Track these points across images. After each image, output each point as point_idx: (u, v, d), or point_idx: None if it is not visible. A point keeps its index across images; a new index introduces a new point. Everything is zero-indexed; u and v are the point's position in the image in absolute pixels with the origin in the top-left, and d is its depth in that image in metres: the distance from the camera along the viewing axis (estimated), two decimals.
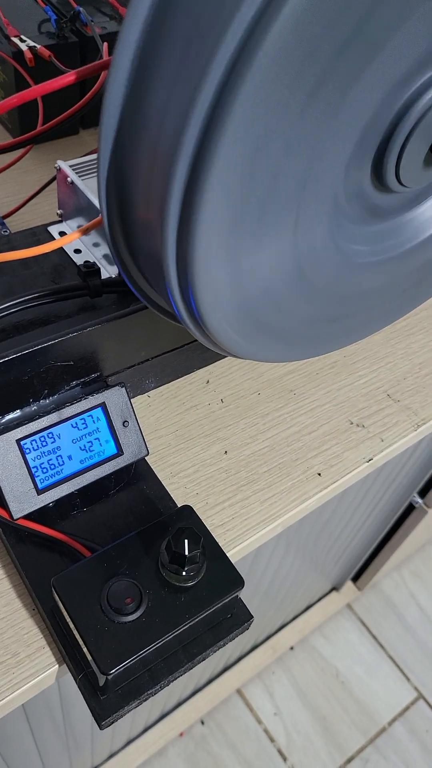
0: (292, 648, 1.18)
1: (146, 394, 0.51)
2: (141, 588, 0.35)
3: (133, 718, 0.89)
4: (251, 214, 0.26)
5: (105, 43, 0.51)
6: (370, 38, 0.23)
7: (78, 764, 0.88)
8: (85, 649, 0.33)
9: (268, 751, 1.09)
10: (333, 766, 1.09)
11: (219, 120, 0.22)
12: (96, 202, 0.47)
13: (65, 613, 0.35)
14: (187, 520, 0.38)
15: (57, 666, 0.39)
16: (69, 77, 0.32)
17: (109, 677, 0.33)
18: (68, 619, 0.35)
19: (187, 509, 0.39)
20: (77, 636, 0.34)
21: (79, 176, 0.48)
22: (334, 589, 1.20)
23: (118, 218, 0.29)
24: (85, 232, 0.35)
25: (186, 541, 0.34)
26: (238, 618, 0.39)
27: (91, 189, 0.47)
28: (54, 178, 0.57)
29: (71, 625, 0.34)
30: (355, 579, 1.20)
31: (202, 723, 1.09)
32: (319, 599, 1.18)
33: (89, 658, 0.33)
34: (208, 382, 0.53)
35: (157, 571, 0.36)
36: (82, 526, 0.42)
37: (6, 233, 0.53)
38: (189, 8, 0.22)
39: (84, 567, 0.36)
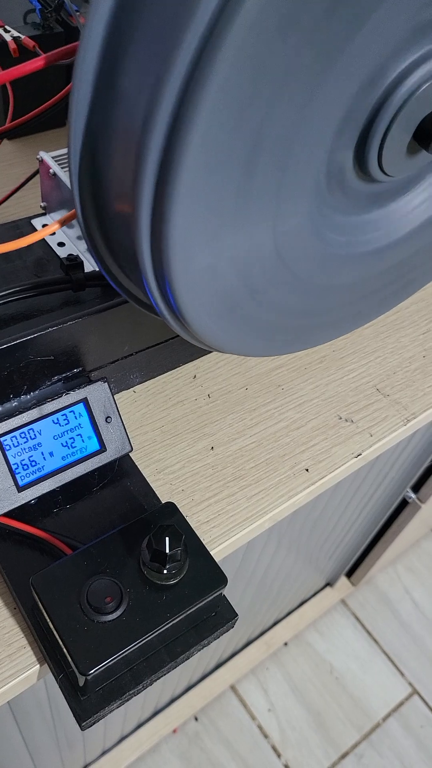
0: (286, 644, 1.18)
1: (132, 389, 0.50)
2: (122, 586, 0.34)
3: (125, 714, 0.89)
4: (227, 201, 0.25)
5: None
6: (350, 12, 0.23)
7: (70, 762, 0.87)
8: (64, 650, 0.33)
9: (262, 747, 1.08)
10: (327, 761, 1.09)
11: (192, 98, 0.21)
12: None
13: (44, 613, 0.34)
14: (170, 518, 0.37)
15: (38, 666, 0.38)
16: (37, 62, 0.31)
17: (89, 678, 0.32)
18: (47, 619, 0.34)
19: (170, 506, 0.38)
20: (56, 636, 0.33)
21: (62, 168, 0.47)
22: (328, 584, 1.20)
23: (92, 209, 0.28)
24: (62, 224, 0.34)
25: (167, 538, 0.33)
26: (223, 616, 0.39)
27: None
28: (38, 171, 0.57)
29: (50, 625, 0.34)
30: (349, 574, 1.20)
31: (196, 719, 1.09)
32: (314, 595, 1.18)
33: (68, 658, 0.33)
34: (195, 377, 0.52)
35: (139, 569, 0.35)
36: (65, 523, 0.41)
37: None
38: None
39: (64, 565, 0.35)
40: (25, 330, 0.42)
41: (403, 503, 0.96)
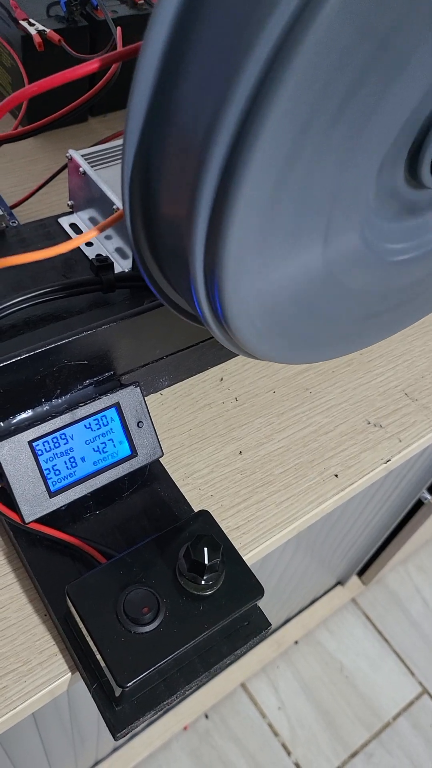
0: (296, 642, 1.18)
1: (159, 392, 0.49)
2: (158, 597, 0.34)
3: None
4: (284, 216, 0.24)
5: (118, 28, 0.49)
6: (405, 40, 0.22)
7: (82, 759, 0.87)
8: (100, 661, 0.32)
9: (272, 745, 1.08)
10: (337, 760, 1.09)
11: (256, 119, 0.21)
12: (109, 194, 0.45)
13: (80, 622, 0.34)
14: (205, 526, 0.37)
15: (69, 674, 0.38)
16: (92, 65, 0.30)
17: (126, 690, 0.32)
18: (83, 629, 0.34)
19: (205, 514, 0.38)
20: (92, 646, 0.33)
21: (92, 166, 0.47)
22: (339, 583, 1.19)
23: (140, 212, 0.27)
24: (101, 230, 0.33)
25: (205, 549, 0.33)
26: (256, 625, 0.38)
27: (104, 179, 0.46)
28: (64, 168, 0.56)
29: (86, 635, 0.33)
30: (361, 573, 1.20)
31: (207, 717, 1.09)
32: (324, 593, 1.18)
33: (105, 669, 0.32)
34: (221, 379, 0.51)
35: (175, 579, 0.35)
36: (95, 529, 0.41)
37: (15, 224, 0.51)
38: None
39: (99, 574, 0.35)
40: (58, 333, 0.42)
41: (418, 504, 0.95)
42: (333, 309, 0.32)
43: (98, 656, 0.33)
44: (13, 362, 0.35)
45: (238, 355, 0.52)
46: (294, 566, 0.80)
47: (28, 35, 0.58)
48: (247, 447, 0.48)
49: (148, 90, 0.23)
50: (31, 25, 0.59)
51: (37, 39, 0.58)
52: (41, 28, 0.58)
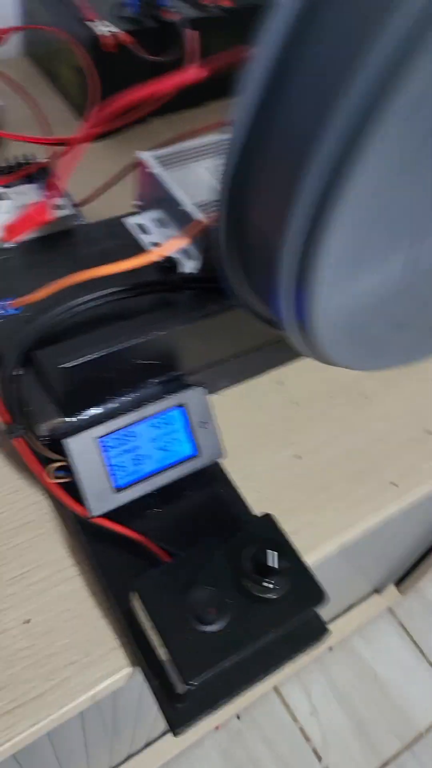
0: (330, 648, 1.17)
1: (218, 393, 0.50)
2: (223, 597, 0.34)
3: None
4: (377, 233, 0.24)
5: (189, 32, 0.50)
6: None
7: (117, 752, 0.88)
8: (167, 657, 0.33)
9: (302, 750, 1.08)
10: None
11: (360, 139, 0.21)
12: (178, 196, 0.46)
13: (147, 618, 0.34)
14: (269, 529, 0.37)
15: (130, 668, 0.38)
16: (201, 73, 0.30)
17: (191, 687, 0.32)
18: (150, 625, 0.34)
19: (269, 518, 0.38)
20: (158, 642, 0.33)
21: (164, 168, 0.47)
22: (376, 591, 1.18)
23: (232, 221, 0.27)
24: (192, 238, 0.33)
25: (274, 554, 0.33)
26: (314, 631, 0.38)
27: (175, 181, 0.46)
28: (131, 168, 0.57)
29: (153, 631, 0.34)
30: (398, 582, 1.18)
31: (238, 717, 1.09)
32: (360, 601, 1.17)
33: (172, 666, 0.33)
34: (281, 382, 0.51)
35: (239, 581, 0.35)
36: (156, 526, 0.41)
37: (83, 223, 0.52)
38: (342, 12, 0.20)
39: (165, 571, 0.35)
40: (128, 333, 0.42)
41: None
42: (411, 317, 0.32)
43: (165, 652, 0.33)
44: (88, 361, 0.36)
45: (298, 358, 0.52)
46: (334, 572, 0.80)
47: (99, 36, 0.59)
48: (305, 451, 0.48)
49: (254, 100, 0.23)
50: (103, 26, 0.60)
51: (109, 40, 0.58)
52: (113, 29, 0.59)
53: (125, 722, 0.77)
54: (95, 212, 0.60)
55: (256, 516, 0.41)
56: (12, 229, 0.29)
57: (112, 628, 0.39)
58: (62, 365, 0.35)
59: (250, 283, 0.31)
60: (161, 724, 0.95)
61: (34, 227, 0.29)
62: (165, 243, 0.31)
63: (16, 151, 0.64)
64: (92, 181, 0.63)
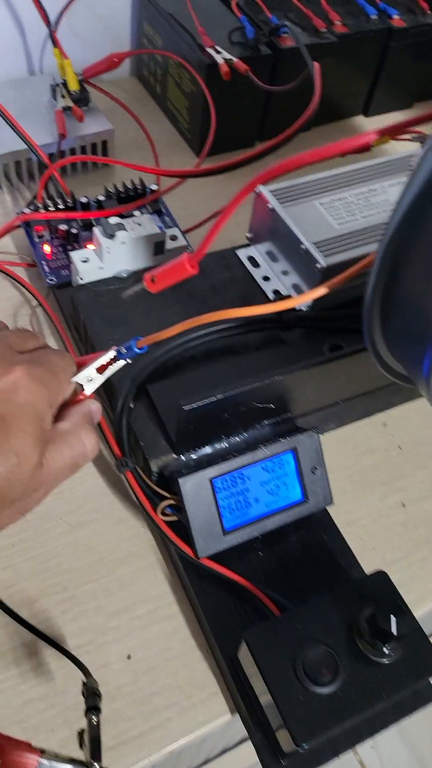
0: None
1: (322, 434, 0.49)
2: (337, 657, 0.33)
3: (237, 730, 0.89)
4: None
5: (316, 64, 0.49)
6: None
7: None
8: (277, 716, 0.32)
9: None
10: None
11: None
12: (297, 232, 0.45)
13: (256, 671, 0.33)
14: (384, 589, 0.36)
15: (229, 715, 0.38)
16: (369, 136, 0.29)
17: (301, 748, 0.31)
18: (258, 678, 0.33)
19: (383, 576, 0.37)
20: (270, 698, 0.33)
21: (281, 203, 0.47)
22: None
23: (385, 282, 0.27)
24: (330, 288, 0.32)
25: (395, 620, 0.32)
26: (422, 695, 0.37)
27: (291, 217, 0.46)
28: (240, 199, 0.56)
29: (260, 685, 0.33)
30: None
31: None
32: None
33: (282, 725, 0.32)
34: (384, 425, 0.50)
35: (352, 640, 0.34)
36: (261, 571, 0.40)
37: (190, 250, 0.52)
38: None
39: (277, 624, 0.34)
40: (240, 370, 0.42)
41: None
42: None
43: (274, 709, 0.32)
44: (210, 402, 0.36)
45: (407, 401, 0.51)
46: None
47: (215, 63, 0.59)
48: (411, 499, 0.47)
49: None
50: (218, 52, 0.60)
51: (224, 68, 0.58)
52: (227, 56, 0.59)
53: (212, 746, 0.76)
54: (198, 239, 0.60)
55: (360, 567, 0.40)
56: (158, 281, 0.29)
57: (212, 673, 0.39)
58: (186, 406, 0.35)
59: (391, 341, 0.30)
60: (239, 732, 0.94)
61: (177, 281, 0.29)
62: (309, 292, 0.30)
63: (123, 175, 0.65)
64: (195, 206, 0.63)
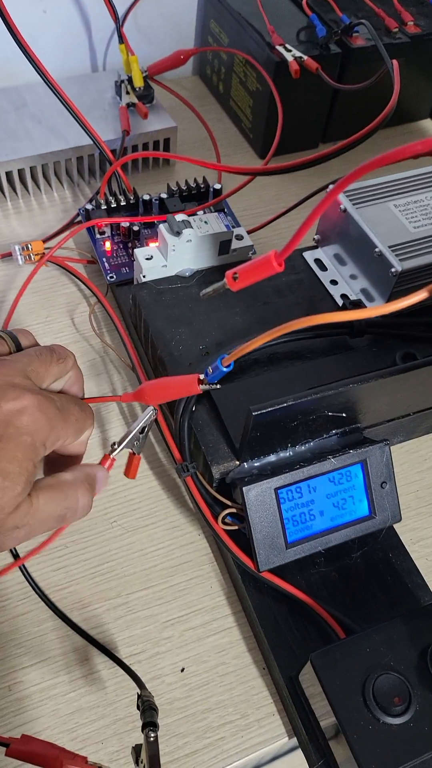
0: None
1: None
2: (409, 686, 0.31)
3: None
4: None
5: (395, 62, 0.47)
6: None
7: None
8: (345, 747, 0.30)
9: None
10: None
11: None
12: (371, 235, 0.43)
13: (321, 694, 0.31)
14: None
15: (286, 738, 0.36)
16: None
17: None
18: (323, 702, 0.31)
19: None
20: (336, 728, 0.31)
21: (354, 204, 0.45)
22: None
23: None
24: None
25: None
26: None
27: (365, 219, 0.44)
28: (305, 199, 0.55)
29: (327, 710, 0.31)
30: None
31: None
32: None
33: (351, 757, 0.30)
34: None
35: (426, 668, 0.32)
36: (321, 588, 0.39)
37: (253, 254, 0.51)
38: None
39: (345, 648, 0.32)
40: (309, 376, 0.40)
41: None
42: None
43: (341, 738, 0.30)
44: (279, 408, 0.34)
45: None
46: None
47: (284, 61, 0.58)
48: None
49: None
50: (288, 50, 0.58)
51: (294, 66, 0.57)
52: (298, 54, 0.58)
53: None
54: (263, 240, 0.58)
55: (428, 588, 0.38)
56: (241, 278, 0.27)
57: (268, 691, 0.37)
58: (255, 411, 0.33)
59: None
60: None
61: (260, 279, 0.28)
62: (400, 301, 0.28)
63: (185, 172, 0.64)
64: (257, 207, 0.62)
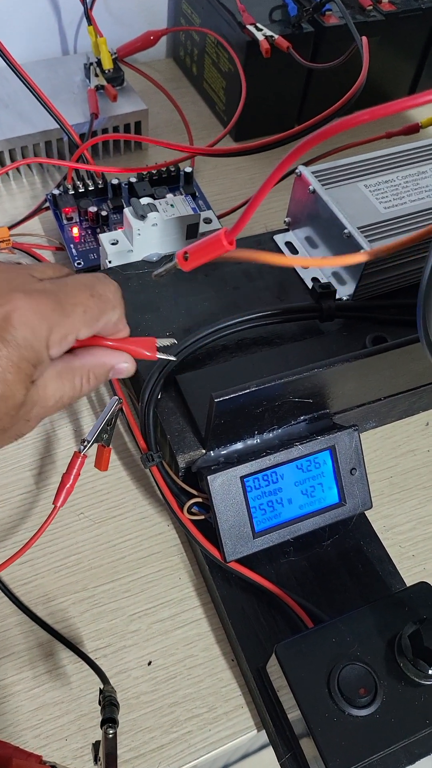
0: None
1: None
2: (375, 677, 0.30)
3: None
4: None
5: (364, 38, 0.46)
6: None
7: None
8: (310, 739, 0.29)
9: None
10: None
11: None
12: (340, 216, 0.42)
13: (287, 686, 0.31)
14: (427, 601, 0.33)
15: (255, 731, 0.35)
16: None
17: None
18: (289, 694, 0.31)
19: (426, 587, 0.34)
20: (299, 715, 0.30)
21: (324, 186, 0.44)
22: None
23: None
24: (378, 255, 0.29)
25: None
26: None
27: (334, 200, 0.43)
28: (279, 181, 0.53)
29: (293, 702, 0.30)
30: None
31: None
32: None
33: (315, 750, 0.29)
34: (427, 424, 0.47)
35: (393, 659, 0.31)
36: (291, 578, 0.38)
37: None
38: None
39: (311, 638, 0.32)
40: (277, 360, 0.39)
41: None
42: None
43: (305, 731, 0.30)
44: (244, 394, 0.33)
45: None
46: None
47: (255, 40, 0.56)
48: None
49: None
50: (259, 30, 0.57)
51: (265, 45, 0.55)
52: (269, 33, 0.56)
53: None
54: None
55: (400, 577, 0.37)
56: (192, 258, 0.26)
57: (237, 683, 0.36)
58: (218, 397, 0.32)
59: None
60: (241, 749, 0.92)
61: (212, 258, 0.26)
62: (353, 255, 0.27)
63: (156, 157, 0.62)
64: (231, 190, 0.61)
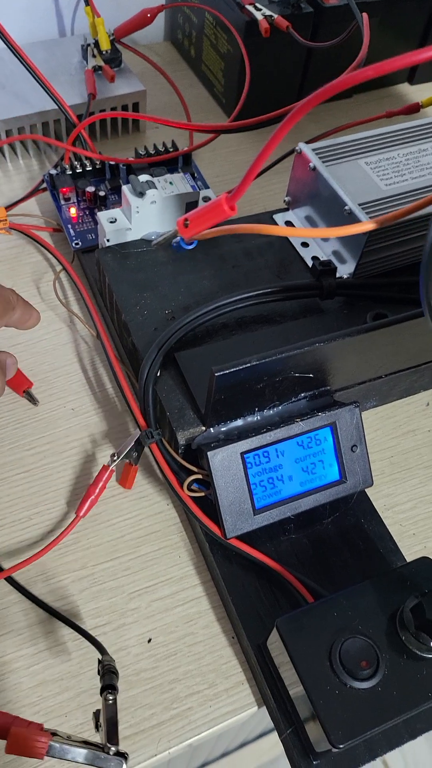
0: None
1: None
2: (377, 651, 0.30)
3: (256, 723, 0.86)
4: None
5: (364, 15, 0.46)
6: None
7: (195, 759, 0.86)
8: (311, 713, 0.29)
9: None
10: None
11: None
12: (341, 193, 0.42)
13: (288, 661, 0.31)
14: (429, 575, 0.33)
15: (255, 708, 0.35)
16: None
17: (338, 749, 0.28)
18: (290, 669, 0.31)
19: (427, 562, 0.33)
20: (302, 691, 0.30)
21: (325, 162, 0.43)
22: None
23: None
24: (384, 223, 0.29)
25: None
26: None
27: (335, 177, 0.42)
28: (279, 160, 0.53)
29: (294, 677, 0.30)
30: None
31: None
32: None
33: (316, 723, 0.29)
34: (428, 404, 0.47)
35: (394, 632, 0.31)
36: (291, 555, 0.38)
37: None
38: None
39: (312, 612, 0.31)
40: (276, 338, 0.39)
41: None
42: None
43: (307, 705, 0.30)
44: (243, 369, 0.33)
45: None
46: None
47: (254, 20, 0.56)
48: None
49: None
50: (258, 9, 0.56)
51: (264, 25, 0.55)
52: (268, 13, 0.56)
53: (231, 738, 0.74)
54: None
55: (401, 554, 0.37)
56: (192, 224, 0.26)
57: (237, 660, 0.36)
58: (218, 372, 0.32)
59: None
60: (240, 736, 0.92)
61: (213, 224, 0.26)
62: (358, 225, 0.26)
63: (155, 138, 0.62)
64: (230, 173, 0.60)
